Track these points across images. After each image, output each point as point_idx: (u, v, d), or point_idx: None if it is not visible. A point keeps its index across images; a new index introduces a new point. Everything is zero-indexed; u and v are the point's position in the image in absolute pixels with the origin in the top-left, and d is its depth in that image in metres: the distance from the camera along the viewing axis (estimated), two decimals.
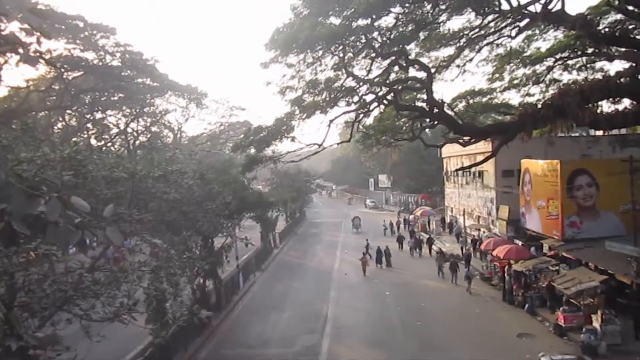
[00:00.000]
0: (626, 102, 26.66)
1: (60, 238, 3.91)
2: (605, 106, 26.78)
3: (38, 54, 39.74)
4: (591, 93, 25.17)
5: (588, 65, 31.25)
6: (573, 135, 37.19)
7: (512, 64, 32.42)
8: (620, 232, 30.21)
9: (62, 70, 49.57)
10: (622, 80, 25.60)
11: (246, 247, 31.98)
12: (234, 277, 38.58)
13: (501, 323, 30.02)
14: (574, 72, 31.89)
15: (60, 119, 57.85)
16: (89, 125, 57.84)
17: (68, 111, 56.74)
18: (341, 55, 30.35)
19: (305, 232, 73.80)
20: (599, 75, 29.50)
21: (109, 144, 57.34)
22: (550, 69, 32.01)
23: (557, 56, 31.09)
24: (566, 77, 32.00)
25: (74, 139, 41.79)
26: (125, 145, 59.17)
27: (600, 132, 35.53)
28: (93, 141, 54.58)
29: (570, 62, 31.38)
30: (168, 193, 20.18)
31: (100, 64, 50.58)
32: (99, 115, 57.67)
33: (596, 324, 25.57)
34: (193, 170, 26.20)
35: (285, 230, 65.46)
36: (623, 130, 34.68)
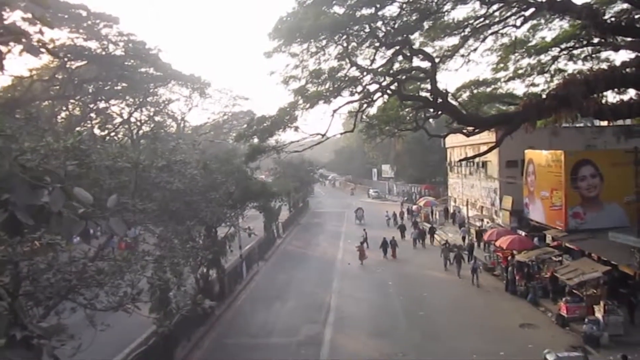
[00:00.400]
0: (631, 93, 26.61)
1: (64, 228, 3.92)
2: (610, 96, 26.73)
3: (41, 44, 38.72)
4: (596, 83, 25.16)
5: (593, 55, 30.90)
6: (577, 125, 36.89)
7: (516, 54, 32.11)
8: (624, 223, 30.01)
9: (65, 59, 49.03)
10: (627, 70, 25.54)
11: (249, 237, 31.65)
12: (237, 267, 38.59)
13: (504, 313, 30.06)
14: (579, 62, 31.49)
15: (64, 108, 57.37)
16: (93, 114, 57.54)
17: (71, 100, 56.16)
18: (345, 44, 30.05)
19: (308, 222, 73.62)
20: (604, 65, 29.32)
21: (112, 134, 57.18)
22: (555, 58, 31.69)
23: (563, 46, 30.79)
24: (571, 67, 31.69)
25: (77, 129, 43.83)
26: (128, 135, 58.95)
27: (605, 123, 35.17)
28: (96, 131, 55.27)
29: (575, 51, 31.04)
30: (171, 183, 20.34)
31: (104, 53, 50.21)
32: (102, 105, 57.31)
33: (598, 314, 25.60)
34: (196, 160, 26.32)
35: (288, 220, 65.29)
36: (628, 121, 34.36)
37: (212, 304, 19.98)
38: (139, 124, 62.00)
